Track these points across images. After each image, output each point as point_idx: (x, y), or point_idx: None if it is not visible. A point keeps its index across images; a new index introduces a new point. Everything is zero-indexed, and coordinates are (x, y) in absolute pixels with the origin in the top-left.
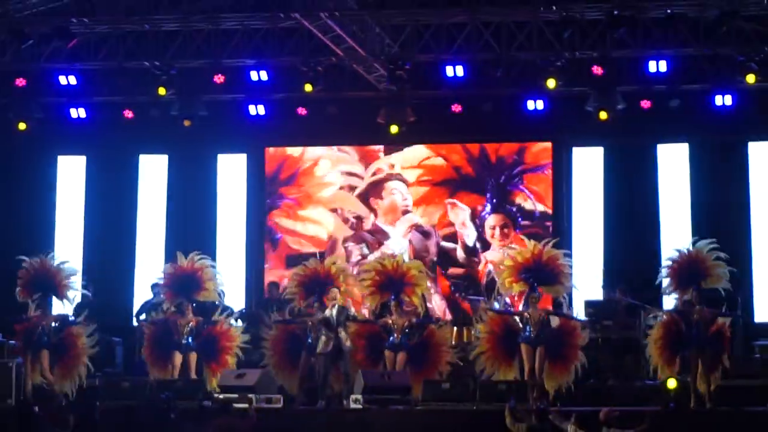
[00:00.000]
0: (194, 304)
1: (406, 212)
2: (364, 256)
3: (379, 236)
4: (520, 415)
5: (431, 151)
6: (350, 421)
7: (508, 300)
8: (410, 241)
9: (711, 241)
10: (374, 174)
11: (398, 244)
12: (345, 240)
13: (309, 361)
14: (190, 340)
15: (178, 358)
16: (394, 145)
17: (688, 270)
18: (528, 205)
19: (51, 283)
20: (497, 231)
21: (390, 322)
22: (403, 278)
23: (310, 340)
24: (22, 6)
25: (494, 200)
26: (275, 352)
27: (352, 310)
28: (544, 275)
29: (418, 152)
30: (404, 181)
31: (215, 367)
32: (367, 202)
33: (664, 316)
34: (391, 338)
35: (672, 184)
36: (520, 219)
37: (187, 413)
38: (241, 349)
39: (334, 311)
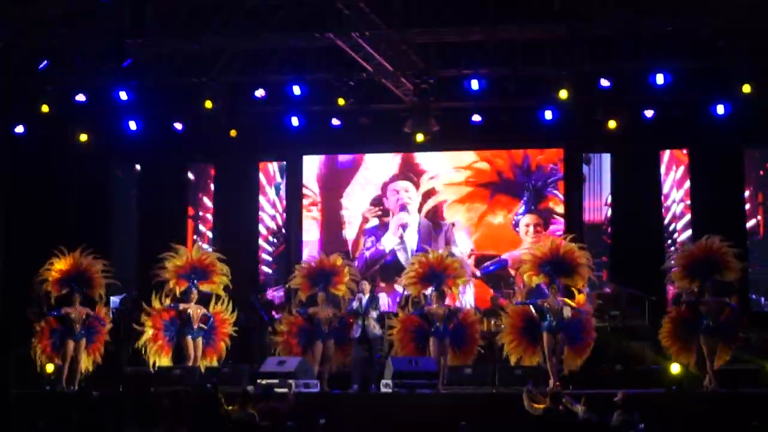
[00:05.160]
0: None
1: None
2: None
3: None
4: (537, 397)
5: (478, 156)
6: (380, 404)
7: (547, 292)
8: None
9: (720, 237)
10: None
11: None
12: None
13: (325, 348)
14: (197, 327)
15: (190, 344)
16: (419, 152)
17: (702, 261)
18: (559, 209)
19: (82, 278)
20: (531, 229)
21: (431, 312)
22: (445, 270)
23: (324, 329)
24: (80, 28)
25: (529, 203)
26: (289, 339)
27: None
28: (563, 267)
29: (468, 156)
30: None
31: (211, 352)
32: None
33: (672, 310)
34: (434, 327)
35: (673, 186)
36: (551, 221)
37: (232, 397)
38: (230, 336)
39: (365, 300)
